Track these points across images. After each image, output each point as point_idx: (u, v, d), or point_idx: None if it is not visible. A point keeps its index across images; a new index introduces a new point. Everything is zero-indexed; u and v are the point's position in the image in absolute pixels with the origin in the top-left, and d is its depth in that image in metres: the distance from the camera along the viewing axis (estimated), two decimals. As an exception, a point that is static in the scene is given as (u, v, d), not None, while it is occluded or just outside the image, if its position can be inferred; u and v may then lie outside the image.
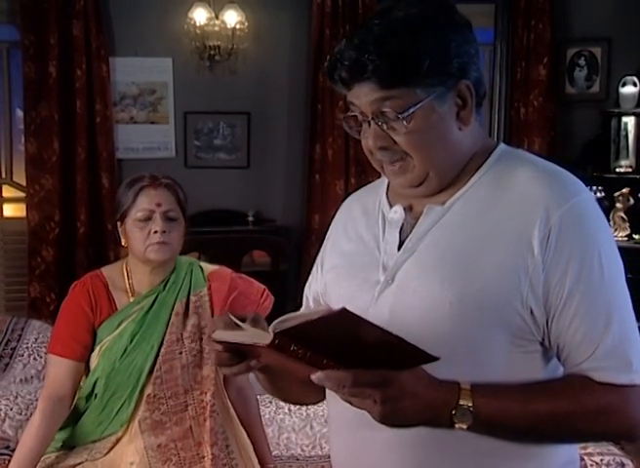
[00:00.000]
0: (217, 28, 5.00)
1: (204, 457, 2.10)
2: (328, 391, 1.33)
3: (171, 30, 5.05)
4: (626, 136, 5.09)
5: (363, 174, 5.21)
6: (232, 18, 4.99)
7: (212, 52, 5.04)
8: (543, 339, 1.20)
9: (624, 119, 5.09)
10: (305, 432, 2.88)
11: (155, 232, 2.09)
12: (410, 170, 1.23)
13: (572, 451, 1.31)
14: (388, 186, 1.36)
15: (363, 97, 1.20)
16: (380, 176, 1.38)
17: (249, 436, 2.24)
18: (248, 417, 2.27)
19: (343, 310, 0.99)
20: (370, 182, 1.45)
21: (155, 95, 5.16)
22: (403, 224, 1.29)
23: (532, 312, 1.17)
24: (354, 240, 1.36)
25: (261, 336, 1.05)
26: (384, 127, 1.21)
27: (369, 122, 1.22)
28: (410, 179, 1.25)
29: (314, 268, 1.46)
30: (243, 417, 2.25)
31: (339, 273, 1.36)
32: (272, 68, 5.25)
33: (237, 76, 5.16)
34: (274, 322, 1.05)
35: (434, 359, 1.05)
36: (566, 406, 1.15)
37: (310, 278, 1.47)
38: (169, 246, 2.11)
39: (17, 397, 2.94)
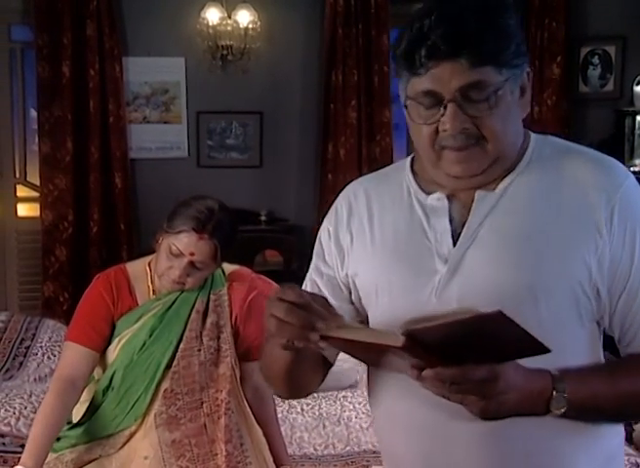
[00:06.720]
0: (229, 28, 5.00)
1: (217, 454, 2.10)
2: (384, 393, 1.33)
3: (183, 30, 5.06)
4: (641, 134, 5.06)
5: (375, 173, 5.20)
6: (245, 17, 5.00)
7: (224, 51, 5.04)
8: (602, 318, 1.24)
9: (639, 118, 5.07)
10: (318, 431, 2.87)
11: (173, 269, 2.10)
12: (477, 157, 1.21)
13: (618, 447, 1.34)
14: (414, 174, 1.33)
15: (447, 77, 1.16)
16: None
17: (265, 435, 2.23)
18: (264, 416, 2.26)
19: (499, 313, 0.99)
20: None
21: (168, 94, 5.17)
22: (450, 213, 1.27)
23: (598, 292, 1.21)
24: (386, 229, 1.32)
25: (392, 338, 1.05)
26: (467, 109, 1.17)
27: (445, 106, 1.17)
28: (476, 167, 1.22)
29: (319, 256, 1.42)
30: (259, 416, 2.24)
31: (382, 263, 1.31)
32: (285, 68, 5.25)
33: (250, 76, 5.16)
34: (404, 323, 1.06)
35: (548, 350, 1.06)
36: None
37: (316, 266, 1.42)
38: (181, 286, 2.13)
39: (31, 395, 2.96)
